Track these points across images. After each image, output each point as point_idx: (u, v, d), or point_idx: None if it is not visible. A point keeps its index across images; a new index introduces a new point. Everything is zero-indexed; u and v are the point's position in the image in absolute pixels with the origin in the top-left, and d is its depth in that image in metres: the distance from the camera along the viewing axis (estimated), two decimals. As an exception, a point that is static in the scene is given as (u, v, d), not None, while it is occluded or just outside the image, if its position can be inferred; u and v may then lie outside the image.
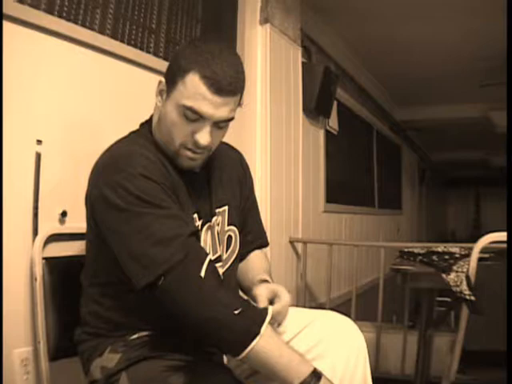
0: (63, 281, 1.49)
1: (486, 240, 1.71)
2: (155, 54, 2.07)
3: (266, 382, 1.21)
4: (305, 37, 3.49)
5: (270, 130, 2.86)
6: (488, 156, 9.11)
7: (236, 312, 1.08)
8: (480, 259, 1.72)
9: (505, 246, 1.62)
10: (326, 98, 3.56)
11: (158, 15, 2.11)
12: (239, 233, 1.42)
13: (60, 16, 1.62)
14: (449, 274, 1.77)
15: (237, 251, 1.40)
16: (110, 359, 1.21)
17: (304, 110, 3.37)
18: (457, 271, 1.76)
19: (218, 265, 1.29)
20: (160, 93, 1.25)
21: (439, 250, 2.03)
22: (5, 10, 1.40)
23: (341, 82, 4.03)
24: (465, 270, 1.74)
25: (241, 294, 1.40)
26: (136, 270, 1.11)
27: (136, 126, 1.36)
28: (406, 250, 2.15)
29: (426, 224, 9.64)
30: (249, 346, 1.06)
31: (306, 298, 3.26)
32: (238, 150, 1.56)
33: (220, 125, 1.22)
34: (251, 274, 1.42)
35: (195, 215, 1.28)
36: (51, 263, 1.49)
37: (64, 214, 1.61)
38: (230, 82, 1.16)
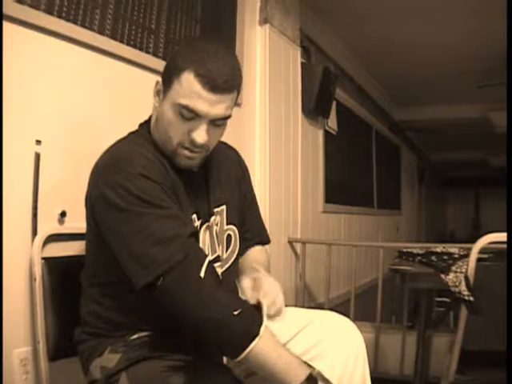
0: (62, 281, 1.49)
1: (484, 240, 1.71)
2: (154, 55, 2.07)
3: (265, 381, 1.21)
4: (304, 37, 3.49)
5: (269, 130, 2.86)
6: (487, 156, 9.11)
7: (235, 313, 1.08)
8: (479, 260, 1.72)
9: (504, 246, 1.62)
10: (325, 98, 3.55)
11: (157, 15, 2.11)
12: (239, 232, 1.42)
13: (59, 16, 1.62)
14: (448, 275, 1.77)
15: (237, 251, 1.40)
16: (109, 359, 1.21)
17: (303, 110, 3.37)
18: (456, 271, 1.76)
19: (216, 265, 1.30)
20: (157, 93, 1.26)
21: (438, 250, 2.03)
22: (4, 10, 1.40)
23: (340, 82, 4.03)
24: (464, 270, 1.74)
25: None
26: (136, 269, 1.11)
27: (135, 126, 1.36)
28: (404, 250, 2.16)
29: (425, 224, 9.64)
30: (248, 347, 1.07)
31: (305, 298, 3.26)
32: (236, 149, 1.56)
33: (217, 123, 1.22)
34: (244, 263, 1.42)
35: (194, 215, 1.28)
36: (50, 263, 1.49)
37: (63, 214, 1.61)
38: (225, 80, 1.16)
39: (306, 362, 1.26)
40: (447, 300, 2.16)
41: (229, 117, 1.23)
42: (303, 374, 1.08)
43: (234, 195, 1.44)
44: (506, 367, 1.38)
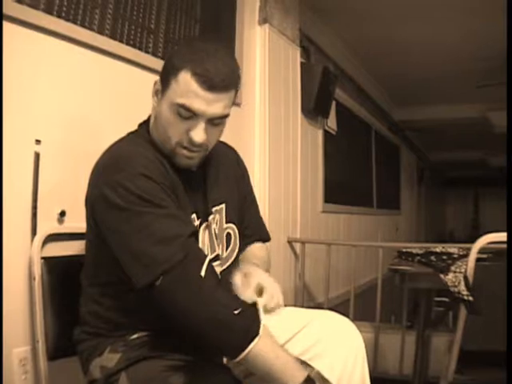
0: (62, 280, 1.49)
1: (484, 240, 1.71)
2: (154, 54, 2.07)
3: (263, 382, 1.21)
4: (303, 37, 3.49)
5: (268, 130, 2.86)
6: (486, 156, 9.11)
7: (236, 312, 1.08)
8: (478, 259, 1.72)
9: (503, 246, 1.62)
10: (324, 98, 3.55)
11: (156, 15, 2.11)
12: (238, 230, 1.42)
13: (59, 16, 1.62)
14: (447, 275, 1.78)
15: (237, 250, 1.40)
16: (109, 359, 1.21)
17: (302, 110, 3.37)
18: (455, 271, 1.76)
19: (216, 263, 1.30)
20: (156, 93, 1.26)
21: (437, 250, 2.03)
22: (4, 10, 1.40)
23: (339, 82, 4.02)
24: (463, 270, 1.74)
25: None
26: (136, 269, 1.11)
27: (135, 126, 1.36)
28: (404, 250, 2.16)
29: (425, 224, 9.64)
30: (248, 347, 1.07)
31: (304, 298, 3.26)
32: (236, 149, 1.56)
33: (215, 122, 1.22)
34: (242, 259, 1.42)
35: (193, 215, 1.28)
36: (50, 263, 1.49)
37: (63, 213, 1.61)
38: (222, 79, 1.16)
39: (305, 362, 1.27)
40: (446, 300, 2.16)
41: (227, 116, 1.23)
42: (301, 375, 1.08)
43: (233, 194, 1.44)
44: (505, 367, 1.38)
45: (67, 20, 1.65)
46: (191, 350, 1.19)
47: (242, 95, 2.64)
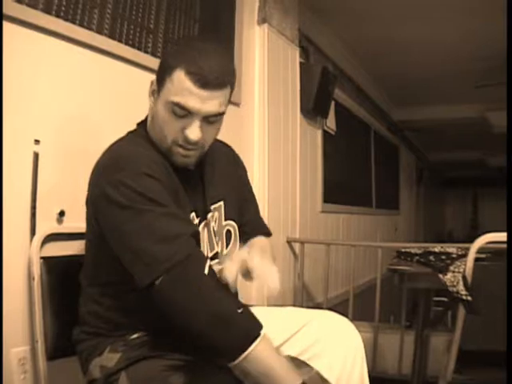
0: (61, 280, 1.49)
1: (482, 240, 1.71)
2: (153, 54, 2.06)
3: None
4: (303, 37, 3.48)
5: (267, 131, 2.86)
6: (485, 156, 9.12)
7: (236, 313, 1.08)
8: (477, 259, 1.72)
9: (501, 246, 1.62)
10: (323, 99, 3.56)
11: (155, 15, 2.11)
12: (238, 227, 1.41)
13: (58, 16, 1.62)
14: (445, 274, 1.78)
15: (237, 247, 1.39)
16: (109, 358, 1.21)
17: (302, 110, 3.37)
18: (453, 271, 1.77)
19: (215, 261, 1.29)
20: (152, 93, 1.27)
21: (436, 250, 2.03)
22: (4, 10, 1.40)
23: (339, 83, 4.02)
24: (461, 270, 1.74)
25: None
26: (138, 267, 1.11)
27: (134, 126, 1.37)
28: (403, 250, 2.16)
29: (424, 224, 9.64)
30: (249, 348, 1.05)
31: (304, 298, 3.26)
32: (235, 149, 1.56)
33: (210, 120, 1.22)
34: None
35: (193, 213, 1.28)
36: (49, 263, 1.49)
37: (62, 213, 1.61)
38: (216, 76, 1.17)
39: (304, 362, 1.27)
40: (445, 300, 2.16)
41: (222, 113, 1.23)
42: (299, 379, 1.07)
43: (232, 191, 1.43)
44: (504, 367, 1.38)
45: (66, 20, 1.65)
46: (191, 350, 1.18)
47: (241, 95, 2.64)
